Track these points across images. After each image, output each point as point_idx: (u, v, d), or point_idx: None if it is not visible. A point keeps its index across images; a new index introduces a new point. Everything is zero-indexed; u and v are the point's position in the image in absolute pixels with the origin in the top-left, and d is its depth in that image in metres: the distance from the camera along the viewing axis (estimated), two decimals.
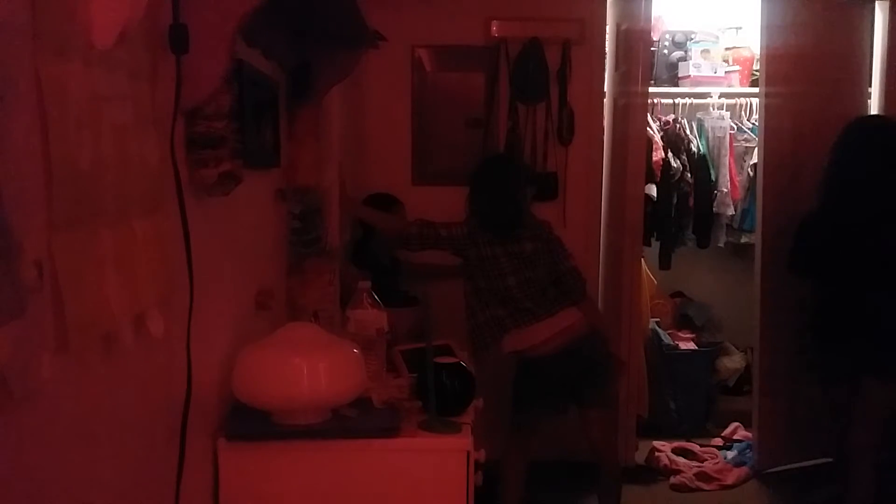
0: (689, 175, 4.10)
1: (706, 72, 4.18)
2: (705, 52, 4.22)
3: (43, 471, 0.97)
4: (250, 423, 1.66)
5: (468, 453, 1.71)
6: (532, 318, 2.84)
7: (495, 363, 2.89)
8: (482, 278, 2.88)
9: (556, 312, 2.86)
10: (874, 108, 3.76)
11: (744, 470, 3.71)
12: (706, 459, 3.82)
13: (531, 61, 3.59)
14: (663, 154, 4.05)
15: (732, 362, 4.39)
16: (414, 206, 3.30)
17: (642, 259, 3.87)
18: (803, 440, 3.77)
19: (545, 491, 3.44)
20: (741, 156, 4.26)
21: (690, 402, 4.21)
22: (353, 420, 1.70)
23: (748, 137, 4.21)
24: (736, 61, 4.28)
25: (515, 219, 2.94)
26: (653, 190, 4.00)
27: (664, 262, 4.22)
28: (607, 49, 3.73)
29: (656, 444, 3.87)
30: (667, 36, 4.26)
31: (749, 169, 4.19)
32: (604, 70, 3.71)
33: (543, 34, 3.59)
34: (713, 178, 4.15)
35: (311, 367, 1.63)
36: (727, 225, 4.26)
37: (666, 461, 3.74)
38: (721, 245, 4.31)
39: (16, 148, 0.85)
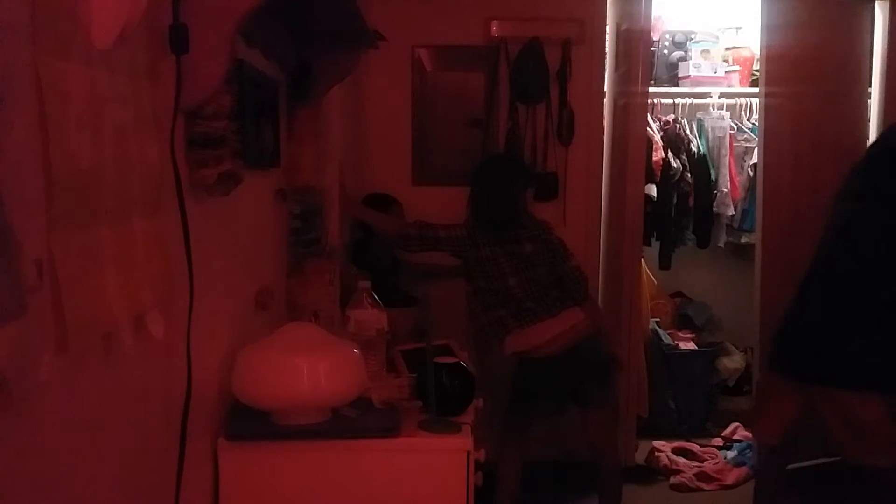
0: (689, 175, 4.10)
1: (706, 72, 4.18)
2: (705, 52, 4.22)
3: (43, 471, 0.97)
4: (250, 423, 1.66)
5: (468, 453, 1.71)
6: (534, 318, 2.84)
7: (498, 364, 2.89)
8: (482, 279, 2.88)
9: (559, 313, 2.86)
10: (874, 108, 3.76)
11: (744, 470, 3.71)
12: (706, 459, 3.82)
13: (531, 61, 3.59)
14: (663, 154, 4.05)
15: (732, 362, 4.39)
16: (414, 207, 3.31)
17: (642, 259, 3.87)
18: (803, 440, 3.77)
19: (545, 491, 3.44)
20: (741, 156, 4.26)
21: (690, 402, 4.21)
22: (353, 420, 1.70)
23: (748, 137, 4.21)
24: (736, 61, 4.28)
25: (513, 218, 2.94)
26: (653, 190, 4.00)
27: (664, 262, 4.22)
28: (607, 49, 3.72)
29: (656, 444, 3.88)
30: (667, 36, 4.26)
31: (749, 169, 4.19)
32: (604, 70, 3.70)
33: (543, 34, 3.59)
34: (713, 178, 4.15)
35: (311, 367, 1.63)
36: (727, 225, 4.26)
37: (666, 461, 3.74)
38: (721, 245, 4.31)
39: (16, 148, 0.85)
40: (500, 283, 2.86)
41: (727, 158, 4.19)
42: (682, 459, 3.79)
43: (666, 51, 4.26)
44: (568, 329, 2.83)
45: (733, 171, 4.22)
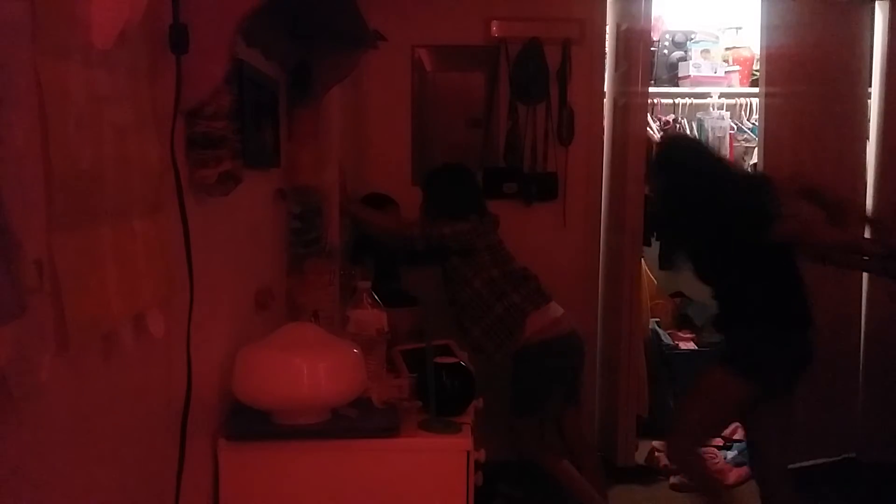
0: None
1: (706, 72, 4.18)
2: (705, 52, 4.21)
3: (43, 471, 0.97)
4: (250, 423, 1.66)
5: (468, 453, 1.71)
6: (544, 298, 2.92)
7: (504, 361, 2.93)
8: (495, 267, 2.91)
9: (551, 300, 2.93)
10: (874, 108, 3.76)
11: (744, 470, 3.71)
12: (706, 459, 3.82)
13: (531, 61, 3.59)
14: None
15: None
16: (414, 206, 3.30)
17: (642, 259, 3.86)
18: (803, 440, 3.77)
19: (543, 491, 3.44)
20: (741, 156, 4.25)
21: None
22: (353, 420, 1.70)
23: (748, 137, 4.21)
24: (736, 61, 4.28)
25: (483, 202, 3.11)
26: None
27: (664, 262, 4.21)
28: (607, 49, 3.72)
29: (656, 444, 3.87)
30: (667, 36, 4.25)
31: (749, 169, 4.18)
32: (604, 70, 3.70)
33: (543, 34, 3.59)
34: None
35: (311, 367, 1.63)
36: None
37: (666, 461, 3.73)
38: None
39: (16, 148, 0.85)
40: (513, 264, 2.94)
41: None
42: None
43: (666, 51, 4.26)
44: (563, 315, 2.91)
45: None
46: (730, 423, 2.72)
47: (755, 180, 3.06)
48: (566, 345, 2.92)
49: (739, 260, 2.62)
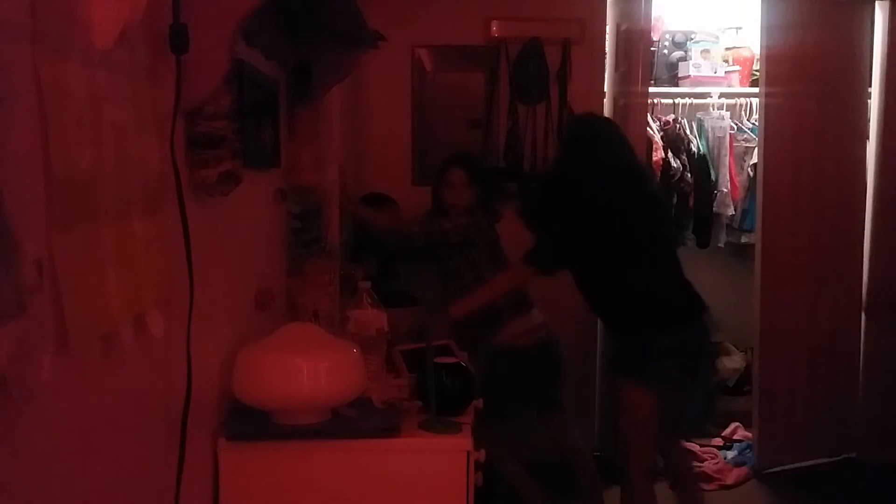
0: (689, 175, 4.09)
1: (706, 72, 4.17)
2: (705, 52, 4.21)
3: (42, 471, 0.97)
4: (250, 423, 1.66)
5: (468, 453, 1.71)
6: (526, 305, 2.90)
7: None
8: (489, 266, 2.90)
9: (533, 306, 2.91)
10: (874, 108, 3.77)
11: (744, 470, 3.71)
12: (706, 459, 3.82)
13: (531, 61, 3.59)
14: (663, 154, 4.05)
15: (732, 362, 4.38)
16: (414, 206, 3.30)
17: None
18: (803, 440, 3.77)
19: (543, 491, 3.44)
20: (741, 156, 4.25)
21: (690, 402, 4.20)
22: (353, 420, 1.70)
23: (748, 137, 4.20)
24: (736, 61, 4.28)
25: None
26: None
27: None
28: (607, 49, 3.73)
29: None
30: (667, 36, 4.25)
31: (749, 169, 4.18)
32: (604, 70, 3.71)
33: (543, 34, 3.59)
34: (713, 178, 4.14)
35: (311, 367, 1.63)
36: (727, 225, 4.25)
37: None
38: (721, 245, 4.30)
39: (16, 148, 0.85)
40: (506, 265, 2.91)
41: (727, 158, 4.18)
42: None
43: (666, 51, 4.26)
44: (541, 324, 2.88)
45: (733, 171, 4.21)
46: (655, 436, 2.63)
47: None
48: (538, 354, 2.86)
49: (615, 264, 2.56)
